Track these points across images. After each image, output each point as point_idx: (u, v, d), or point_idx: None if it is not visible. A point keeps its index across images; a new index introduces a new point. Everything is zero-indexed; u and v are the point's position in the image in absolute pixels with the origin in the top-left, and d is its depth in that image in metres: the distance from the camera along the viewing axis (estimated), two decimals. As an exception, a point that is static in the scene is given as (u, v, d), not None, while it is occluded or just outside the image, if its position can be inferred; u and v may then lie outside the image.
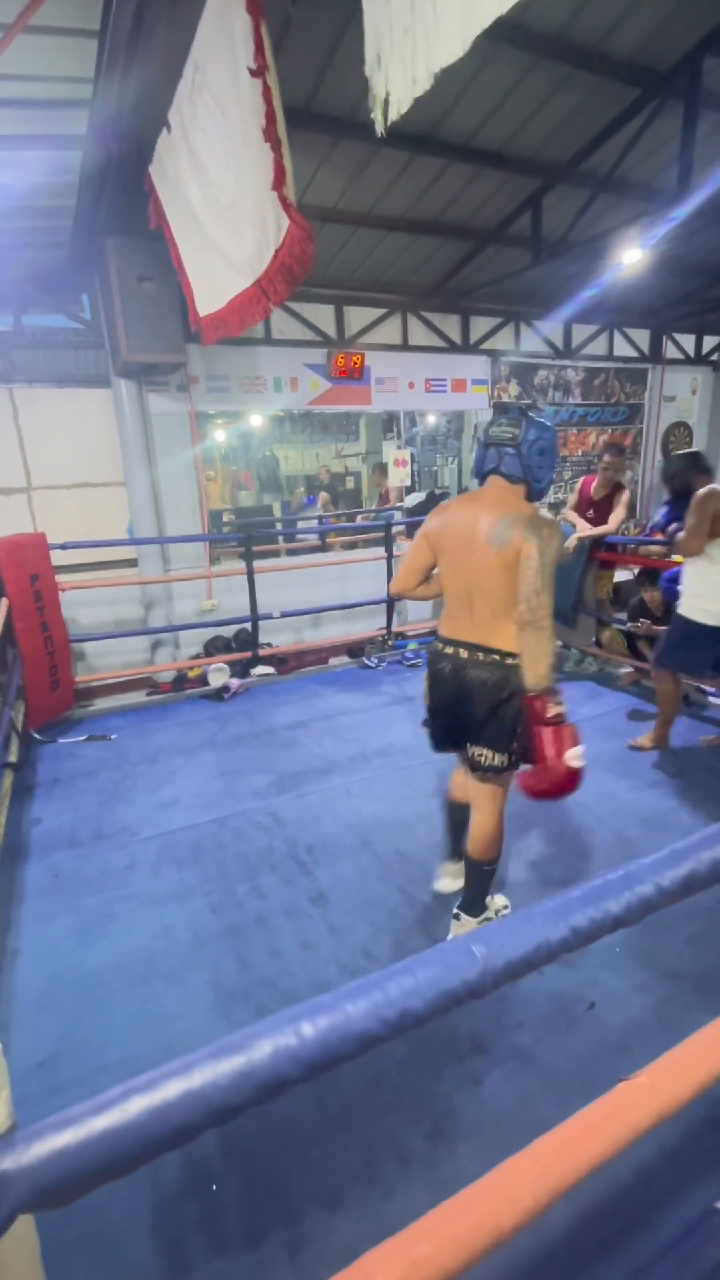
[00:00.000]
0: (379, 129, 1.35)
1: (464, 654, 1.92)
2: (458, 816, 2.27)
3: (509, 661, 1.84)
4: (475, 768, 1.97)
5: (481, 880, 2.10)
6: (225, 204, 2.39)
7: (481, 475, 1.90)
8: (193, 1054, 0.42)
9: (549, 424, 1.82)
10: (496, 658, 1.86)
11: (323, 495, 9.64)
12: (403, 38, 1.22)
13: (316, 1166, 1.50)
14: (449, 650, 1.96)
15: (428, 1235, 0.55)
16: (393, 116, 1.32)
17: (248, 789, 3.25)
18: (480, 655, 1.88)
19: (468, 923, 2.12)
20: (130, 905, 2.42)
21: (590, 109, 3.66)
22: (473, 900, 2.13)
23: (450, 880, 2.38)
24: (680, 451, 3.42)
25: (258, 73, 1.68)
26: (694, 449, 4.37)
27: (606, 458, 4.41)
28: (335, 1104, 1.63)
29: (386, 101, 1.31)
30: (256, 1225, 1.39)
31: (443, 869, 2.42)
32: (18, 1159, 0.36)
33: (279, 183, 1.77)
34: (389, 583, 5.27)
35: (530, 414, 1.82)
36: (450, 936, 2.16)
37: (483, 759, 1.93)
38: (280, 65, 1.86)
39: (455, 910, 2.16)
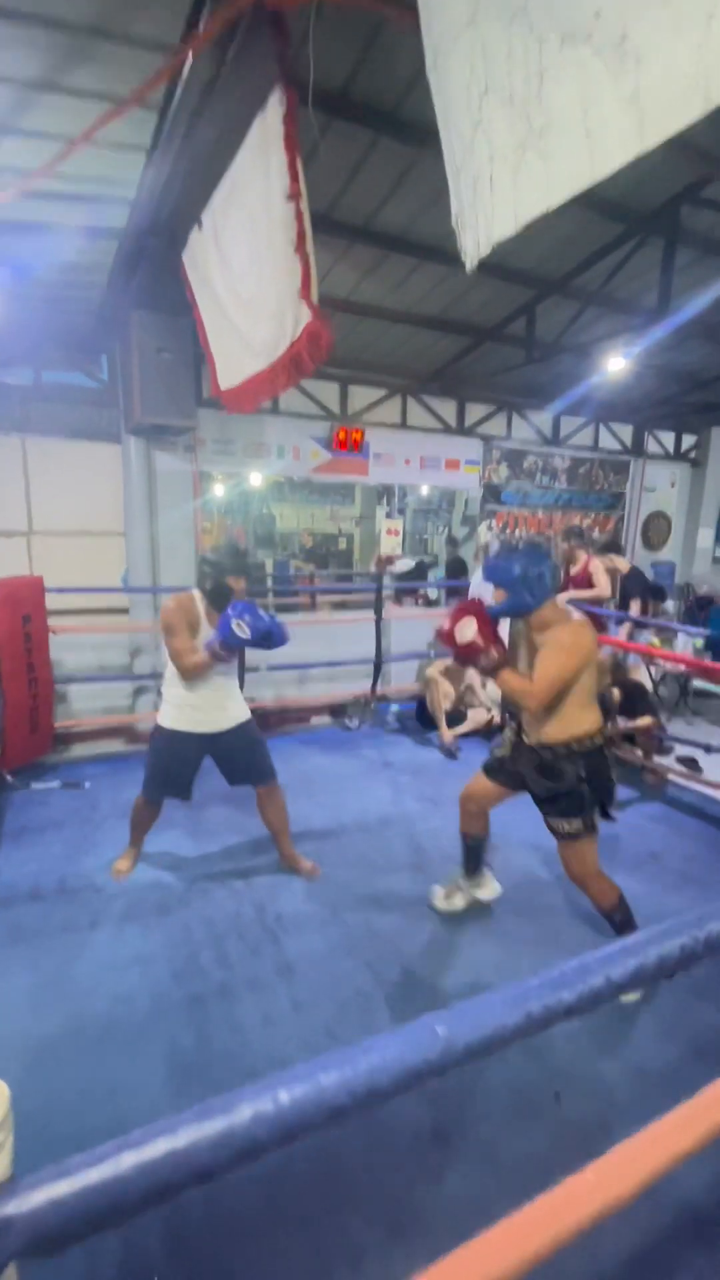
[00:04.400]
0: (471, 269, 1.59)
1: None
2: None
3: None
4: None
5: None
6: (245, 297, 2.63)
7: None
8: (180, 1114, 0.45)
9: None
10: None
11: (295, 561, 9.76)
12: (470, 210, 1.48)
13: (265, 1263, 1.43)
14: None
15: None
16: (469, 266, 1.56)
17: (219, 850, 3.21)
18: None
19: None
20: (90, 967, 2.35)
21: (582, 236, 4.07)
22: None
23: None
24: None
25: (293, 197, 1.91)
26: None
27: (560, 541, 4.86)
28: (289, 1194, 1.56)
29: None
30: (196, 1327, 1.31)
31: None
32: (19, 1205, 0.38)
33: (305, 289, 1.98)
34: (376, 645, 5.37)
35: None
36: None
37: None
38: (307, 180, 2.11)
39: None
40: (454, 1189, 1.59)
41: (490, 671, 2.11)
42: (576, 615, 2.13)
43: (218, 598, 2.58)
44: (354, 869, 3.05)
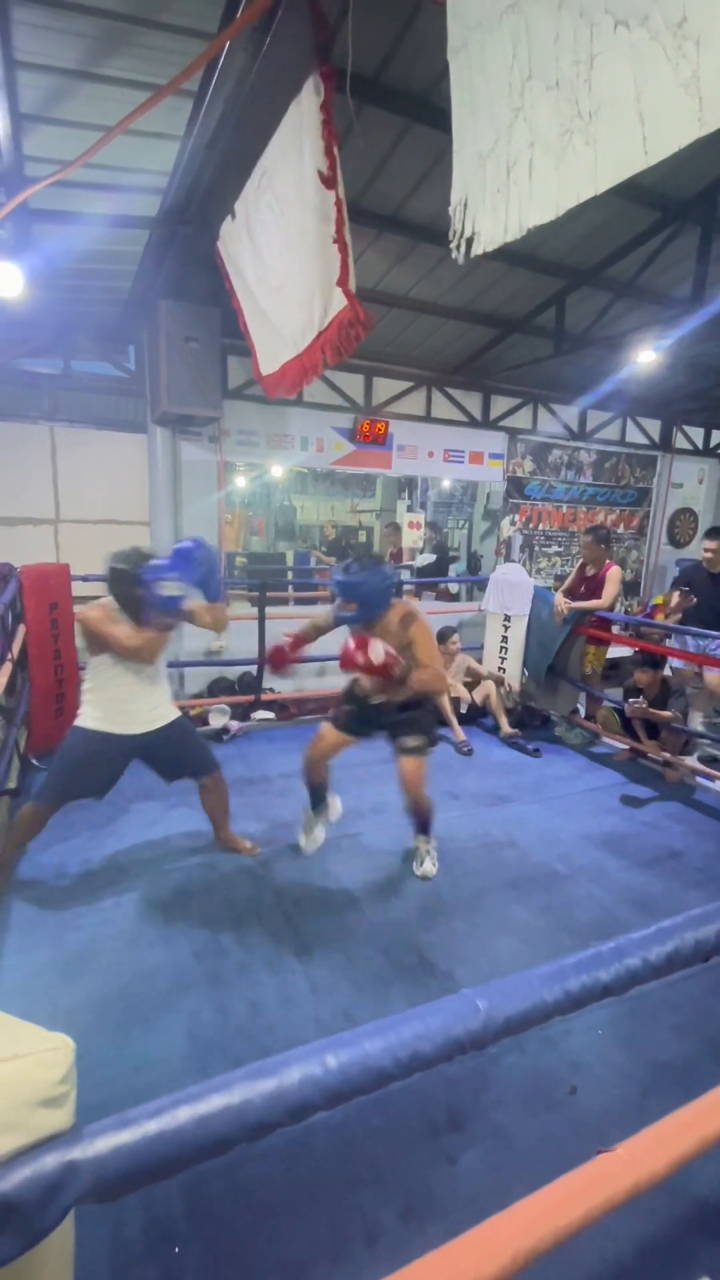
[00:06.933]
0: (459, 257, 1.57)
1: None
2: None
3: None
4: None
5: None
6: (275, 285, 2.64)
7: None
8: (233, 1072, 0.46)
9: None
10: None
11: (315, 552, 9.76)
12: (495, 196, 1.44)
13: (283, 1238, 1.46)
14: None
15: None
16: (477, 251, 1.54)
17: (239, 835, 3.24)
18: None
19: (420, 838, 2.95)
20: (114, 945, 2.40)
21: (615, 224, 4.00)
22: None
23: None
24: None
25: (331, 183, 1.92)
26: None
27: (585, 539, 4.58)
28: (306, 1172, 1.59)
29: (470, 238, 1.53)
30: (217, 1294, 1.35)
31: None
32: (85, 1150, 0.40)
33: (344, 278, 1.98)
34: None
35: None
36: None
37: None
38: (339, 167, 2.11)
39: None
40: (468, 1172, 1.61)
41: (404, 679, 2.46)
42: (405, 601, 2.63)
43: (130, 604, 2.51)
44: (371, 857, 3.07)
